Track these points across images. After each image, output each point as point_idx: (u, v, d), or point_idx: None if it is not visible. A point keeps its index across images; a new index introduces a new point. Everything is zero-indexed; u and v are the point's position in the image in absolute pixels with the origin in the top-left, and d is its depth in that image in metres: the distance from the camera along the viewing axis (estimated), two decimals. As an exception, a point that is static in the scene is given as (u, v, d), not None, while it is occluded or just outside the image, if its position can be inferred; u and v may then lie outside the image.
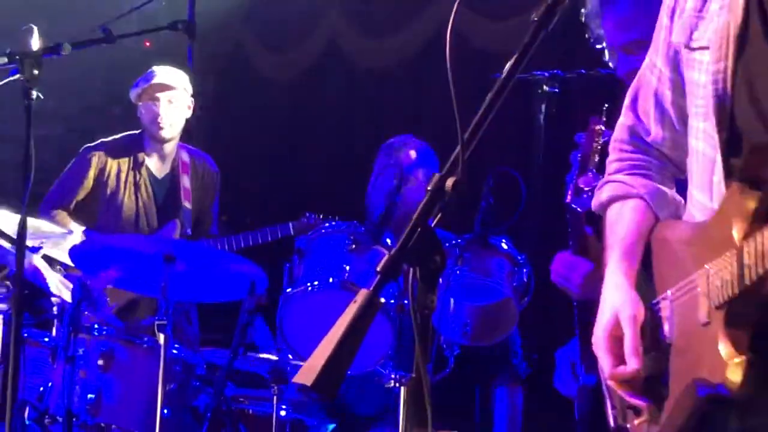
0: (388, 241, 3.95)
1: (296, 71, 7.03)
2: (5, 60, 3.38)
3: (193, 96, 5.27)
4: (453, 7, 1.68)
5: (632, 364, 1.85)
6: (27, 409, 3.92)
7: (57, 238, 4.30)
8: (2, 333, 4.03)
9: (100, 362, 3.96)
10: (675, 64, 1.94)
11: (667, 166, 2.06)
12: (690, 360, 1.76)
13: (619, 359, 1.89)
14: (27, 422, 3.90)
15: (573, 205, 3.30)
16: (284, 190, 6.86)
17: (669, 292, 1.85)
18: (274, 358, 4.11)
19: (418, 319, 1.55)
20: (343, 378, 1.49)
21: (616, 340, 1.90)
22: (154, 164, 5.25)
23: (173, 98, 5.15)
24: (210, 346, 4.90)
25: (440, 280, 1.58)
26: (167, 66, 5.26)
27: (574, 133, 3.36)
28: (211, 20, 6.50)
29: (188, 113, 5.25)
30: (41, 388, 4.01)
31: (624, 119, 2.13)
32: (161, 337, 3.77)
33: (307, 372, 1.48)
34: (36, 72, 3.33)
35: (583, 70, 3.82)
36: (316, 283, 3.84)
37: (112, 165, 5.19)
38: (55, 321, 4.20)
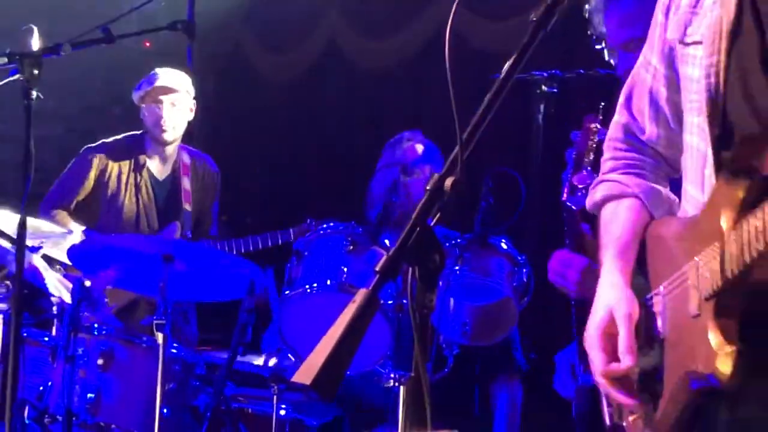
0: (387, 242, 3.95)
1: (296, 71, 7.04)
2: (5, 60, 3.38)
3: (195, 98, 5.28)
4: (452, 8, 1.68)
5: (626, 361, 1.84)
6: (27, 408, 3.92)
7: (57, 238, 4.30)
8: (2, 332, 4.03)
9: (100, 362, 3.96)
10: (670, 61, 1.93)
11: (662, 165, 2.06)
12: (682, 353, 1.76)
13: (612, 357, 1.88)
14: (27, 421, 3.90)
15: (568, 203, 3.31)
16: (284, 190, 6.87)
17: (661, 287, 1.86)
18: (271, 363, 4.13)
19: (417, 319, 1.55)
20: (342, 377, 1.49)
21: (609, 337, 1.90)
22: (155, 166, 5.26)
23: (176, 101, 5.16)
24: (209, 345, 4.90)
25: (440, 279, 1.58)
26: (170, 68, 5.26)
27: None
28: (210, 20, 6.51)
29: (191, 116, 5.25)
30: (41, 388, 4.01)
31: (618, 117, 2.12)
32: (160, 337, 3.77)
33: (307, 371, 1.48)
34: (36, 72, 3.33)
35: (581, 70, 3.82)
36: (314, 284, 3.84)
37: (113, 167, 5.20)
38: (55, 320, 4.20)
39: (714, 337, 1.65)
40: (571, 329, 3.38)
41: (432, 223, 1.57)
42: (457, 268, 3.75)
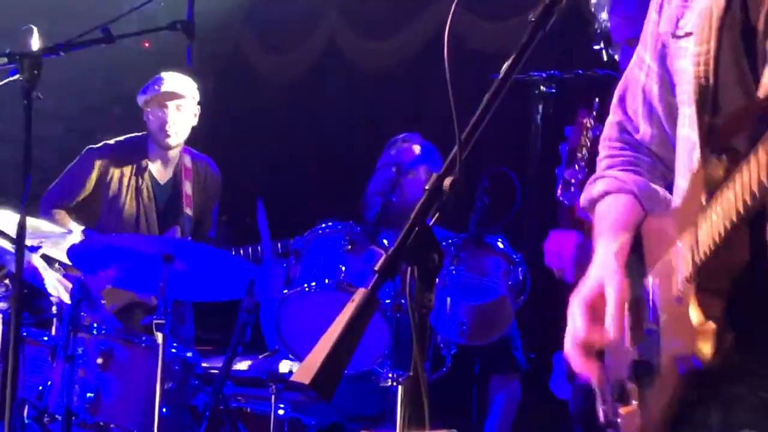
0: (385, 241, 3.95)
1: (296, 71, 7.04)
2: (5, 60, 3.38)
3: (199, 103, 5.27)
4: (451, 8, 1.69)
5: (611, 334, 1.79)
6: (26, 407, 3.92)
7: (56, 238, 4.30)
8: (2, 332, 4.03)
9: (99, 361, 3.96)
10: (662, 58, 1.92)
11: (657, 165, 2.05)
12: (670, 339, 1.75)
13: (592, 328, 1.84)
14: (26, 421, 3.90)
15: (561, 198, 3.31)
16: (284, 190, 6.87)
17: (650, 278, 1.85)
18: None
19: (416, 318, 1.55)
20: (341, 376, 1.49)
21: (594, 310, 1.85)
22: (156, 169, 5.26)
23: (182, 106, 5.16)
24: (207, 345, 4.90)
25: (437, 279, 1.58)
26: (175, 72, 5.26)
27: (571, 133, 3.38)
28: (210, 20, 6.50)
29: (195, 121, 5.25)
30: (40, 387, 4.02)
31: (613, 117, 2.11)
32: (160, 337, 3.78)
33: (305, 370, 1.48)
34: (36, 72, 3.33)
35: (580, 71, 3.82)
36: (313, 284, 3.84)
37: (115, 170, 5.19)
38: (55, 320, 4.20)
39: (694, 315, 1.63)
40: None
41: (431, 223, 1.57)
42: (453, 267, 3.75)
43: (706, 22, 1.76)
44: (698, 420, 1.75)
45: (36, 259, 4.24)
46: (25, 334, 3.99)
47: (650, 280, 1.84)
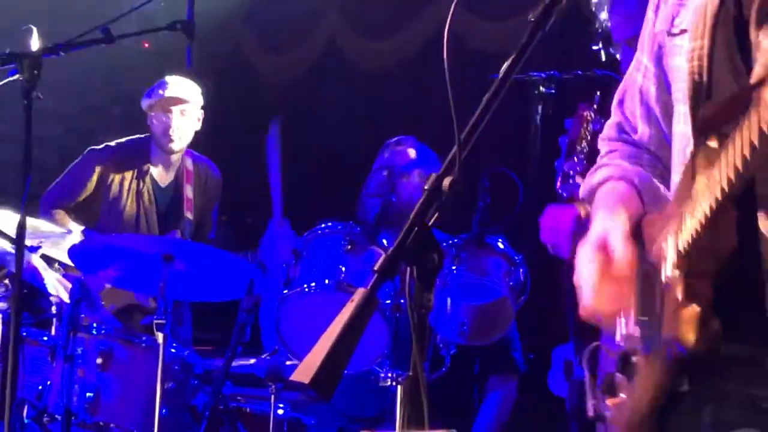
0: (385, 242, 3.96)
1: (296, 71, 7.04)
2: (5, 60, 3.38)
3: (203, 108, 5.27)
4: (450, 8, 1.69)
5: (623, 268, 1.77)
6: (26, 407, 3.92)
7: (56, 238, 4.30)
8: (2, 332, 4.04)
9: (99, 361, 3.97)
10: (659, 59, 1.92)
11: (657, 164, 2.04)
12: (659, 326, 1.74)
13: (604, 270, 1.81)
14: (26, 421, 3.90)
15: (560, 191, 3.31)
16: (284, 189, 6.86)
17: (643, 267, 1.84)
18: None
19: (415, 319, 1.55)
20: (340, 376, 1.49)
21: (603, 254, 1.82)
22: (158, 173, 5.26)
23: (185, 111, 5.16)
24: (206, 345, 4.91)
25: (437, 279, 1.58)
26: (179, 77, 5.25)
27: (571, 134, 3.38)
28: (210, 20, 6.51)
29: (198, 125, 5.25)
30: (40, 387, 4.02)
31: (612, 118, 2.11)
32: (160, 337, 3.78)
33: (305, 370, 1.48)
34: (36, 72, 3.33)
35: (579, 71, 3.82)
36: (312, 284, 3.84)
37: (116, 173, 5.19)
38: (54, 320, 4.20)
39: (680, 300, 1.63)
40: (567, 329, 3.38)
41: (430, 223, 1.57)
42: (454, 267, 3.76)
43: (701, 19, 1.76)
44: (690, 412, 1.75)
45: (36, 259, 4.24)
46: (24, 334, 3.99)
47: (643, 269, 1.84)
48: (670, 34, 1.86)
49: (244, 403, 4.38)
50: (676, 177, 1.84)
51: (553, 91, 3.88)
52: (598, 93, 3.34)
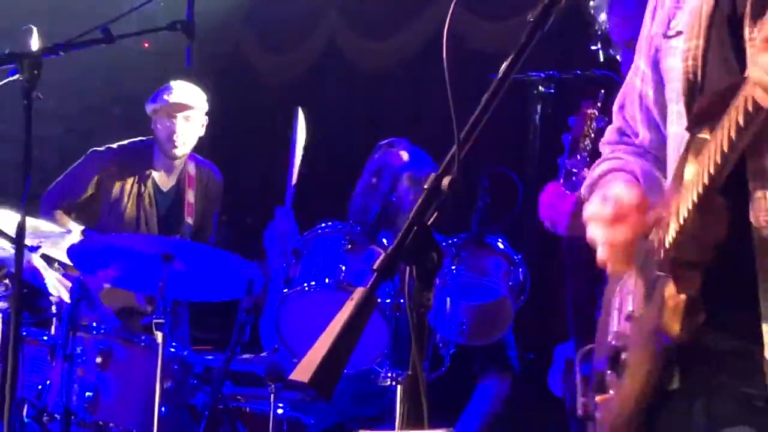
0: (384, 241, 3.96)
1: (296, 71, 7.04)
2: (5, 60, 3.37)
3: (207, 113, 5.27)
4: (450, 9, 1.69)
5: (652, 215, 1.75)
6: (25, 406, 3.92)
7: (56, 238, 4.30)
8: (2, 331, 4.04)
9: (98, 360, 3.97)
10: (656, 63, 1.92)
11: (659, 165, 2.05)
12: (648, 318, 1.74)
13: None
14: (25, 420, 3.91)
15: (563, 188, 3.31)
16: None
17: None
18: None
19: (414, 318, 1.55)
20: (340, 375, 1.49)
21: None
22: (160, 177, 5.26)
23: (190, 117, 5.16)
24: (205, 345, 4.91)
25: (437, 279, 1.58)
26: (184, 81, 5.25)
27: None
28: (210, 20, 6.50)
29: (202, 131, 5.25)
30: (40, 386, 4.02)
31: (614, 123, 2.11)
32: (159, 336, 3.78)
33: (305, 369, 1.48)
34: (36, 72, 3.33)
35: (578, 71, 3.82)
36: (312, 283, 3.84)
37: (118, 178, 5.18)
38: (54, 320, 4.20)
39: (667, 290, 1.64)
40: (567, 328, 3.38)
41: (429, 222, 1.57)
42: (453, 267, 3.76)
43: (696, 20, 1.77)
44: (680, 409, 1.74)
45: (36, 259, 4.24)
46: (24, 333, 3.99)
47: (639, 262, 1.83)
48: (666, 36, 1.87)
49: (243, 403, 4.38)
50: (671, 176, 1.84)
51: (552, 90, 3.88)
52: (603, 91, 3.33)
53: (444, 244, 3.77)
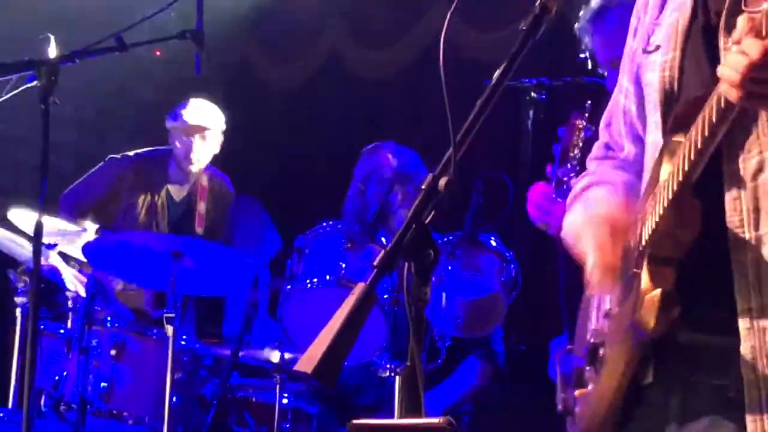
0: (383, 239, 3.96)
1: (301, 80, 7.04)
2: (24, 67, 3.37)
3: (224, 132, 5.26)
4: (446, 19, 1.69)
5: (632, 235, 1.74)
6: (43, 396, 3.92)
7: (72, 236, 4.30)
8: (21, 325, 4.04)
9: (113, 352, 3.97)
10: (638, 78, 1.91)
11: (641, 177, 2.04)
12: (625, 314, 1.73)
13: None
14: (43, 409, 3.91)
15: (555, 196, 3.30)
16: (289, 192, 6.87)
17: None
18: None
19: (412, 312, 1.55)
20: (341, 366, 1.49)
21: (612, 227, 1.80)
22: (173, 188, 5.25)
23: (207, 137, 5.15)
24: (211, 339, 4.90)
25: (433, 275, 1.58)
26: (202, 101, 5.22)
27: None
28: (218, 30, 6.49)
29: (218, 149, 5.24)
30: (57, 377, 4.02)
31: (600, 140, 2.10)
32: (170, 329, 3.78)
33: (308, 360, 1.48)
34: (53, 78, 3.32)
35: (569, 78, 3.82)
36: (315, 280, 3.85)
37: (133, 186, 5.17)
38: (70, 314, 4.20)
39: (642, 284, 1.63)
40: (561, 321, 3.37)
41: (426, 221, 1.57)
42: (449, 264, 3.76)
43: (673, 33, 1.77)
44: (655, 403, 1.74)
45: (53, 256, 4.24)
46: (42, 327, 3.99)
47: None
48: (646, 52, 1.86)
49: (250, 393, 4.38)
50: (647, 179, 1.83)
51: (543, 97, 3.87)
52: (589, 102, 3.33)
53: (439, 242, 3.77)
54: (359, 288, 1.52)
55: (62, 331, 4.16)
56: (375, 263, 1.54)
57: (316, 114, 6.90)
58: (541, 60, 4.84)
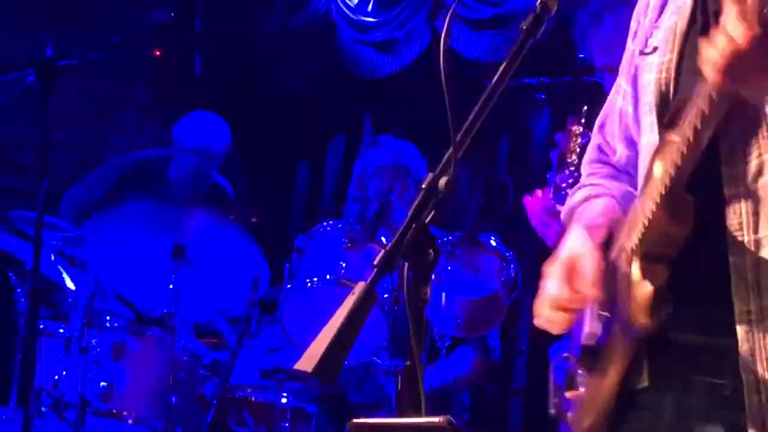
0: (383, 239, 3.96)
1: (301, 80, 7.03)
2: (24, 66, 3.37)
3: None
4: (446, 21, 1.69)
5: (592, 291, 1.73)
6: (43, 396, 3.92)
7: (72, 235, 4.30)
8: (21, 325, 4.04)
9: (113, 352, 3.97)
10: (635, 80, 1.90)
11: (633, 183, 2.02)
12: (618, 313, 1.73)
13: (569, 287, 1.77)
14: (43, 409, 3.90)
15: (553, 201, 3.31)
16: (290, 192, 6.88)
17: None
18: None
19: (412, 311, 1.55)
20: (341, 365, 1.49)
21: (570, 272, 1.78)
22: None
23: (211, 156, 5.13)
24: (210, 338, 4.90)
25: (433, 275, 1.57)
26: (210, 115, 5.19)
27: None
28: (215, 33, 6.49)
29: (220, 165, 5.23)
30: (56, 377, 4.01)
31: (594, 141, 2.09)
32: (169, 329, 3.78)
33: (308, 359, 1.47)
34: (52, 78, 3.32)
35: (568, 78, 3.83)
36: (315, 279, 3.85)
37: (134, 186, 5.17)
38: (70, 313, 4.20)
39: (633, 277, 1.63)
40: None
41: (427, 221, 1.57)
42: (449, 264, 3.76)
43: (671, 35, 1.77)
44: (649, 405, 1.73)
45: (54, 256, 4.24)
46: (42, 326, 3.99)
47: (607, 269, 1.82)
48: (643, 53, 1.86)
49: (250, 393, 4.37)
50: (641, 179, 1.82)
51: (543, 96, 3.88)
52: (585, 107, 3.33)
53: (439, 242, 3.77)
54: (359, 287, 1.52)
55: (62, 330, 4.16)
56: (375, 263, 1.53)
57: (317, 114, 6.91)
58: (542, 59, 4.85)
